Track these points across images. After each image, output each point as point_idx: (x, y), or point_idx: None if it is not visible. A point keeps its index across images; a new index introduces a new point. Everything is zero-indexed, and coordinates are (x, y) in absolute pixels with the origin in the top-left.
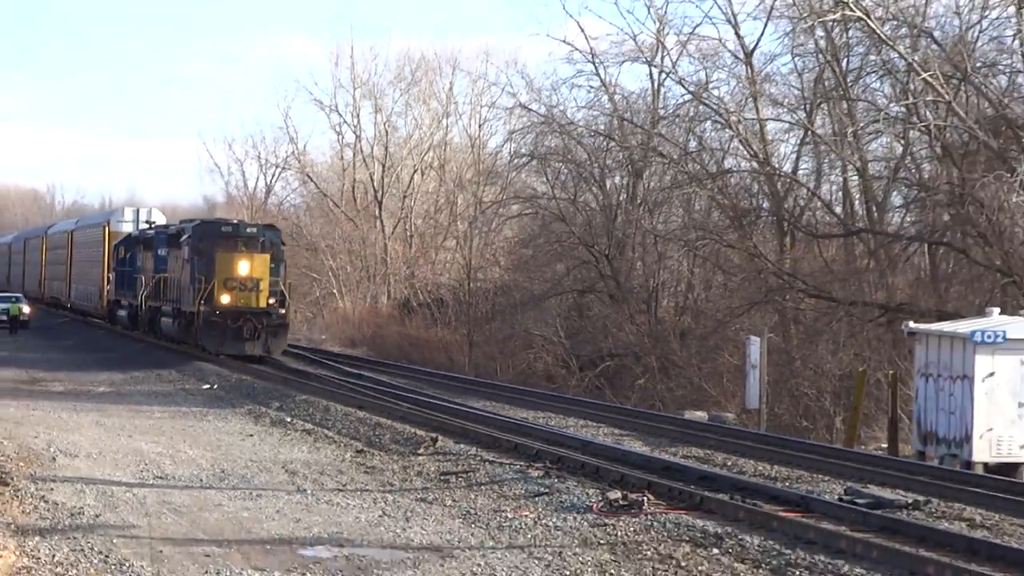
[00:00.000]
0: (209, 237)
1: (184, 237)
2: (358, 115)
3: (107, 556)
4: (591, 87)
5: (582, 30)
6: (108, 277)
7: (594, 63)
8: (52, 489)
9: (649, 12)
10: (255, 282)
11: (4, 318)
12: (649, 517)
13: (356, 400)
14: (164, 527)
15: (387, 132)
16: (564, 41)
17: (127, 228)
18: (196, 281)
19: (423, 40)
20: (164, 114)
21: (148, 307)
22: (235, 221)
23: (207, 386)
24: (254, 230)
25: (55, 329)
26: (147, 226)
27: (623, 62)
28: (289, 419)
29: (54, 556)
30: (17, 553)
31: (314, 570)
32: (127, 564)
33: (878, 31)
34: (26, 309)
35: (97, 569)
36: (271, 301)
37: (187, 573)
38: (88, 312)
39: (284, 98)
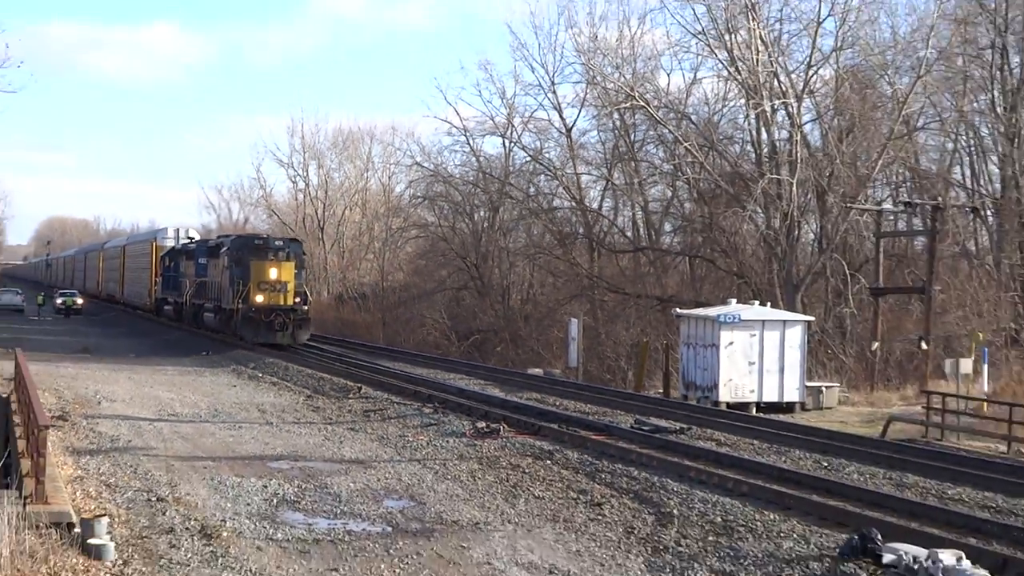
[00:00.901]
0: (244, 248)
1: (223, 249)
2: (307, 170)
3: (136, 468)
4: (464, 151)
5: (457, 113)
6: (156, 281)
7: (466, 135)
8: (97, 423)
9: (503, 101)
10: (283, 284)
11: (63, 307)
12: (504, 440)
13: (307, 362)
14: (175, 448)
15: (327, 181)
16: (445, 120)
17: (169, 243)
18: (235, 284)
19: (350, 118)
20: (173, 167)
21: (192, 304)
22: (265, 235)
23: (204, 353)
24: (281, 242)
25: (109, 320)
26: (188, 240)
27: (485, 135)
28: (261, 375)
29: (99, 469)
30: (73, 467)
31: (278, 476)
32: (150, 474)
33: (654, 115)
34: (79, 301)
35: (129, 477)
36: (296, 300)
37: (191, 479)
38: (138, 307)
39: (256, 157)
